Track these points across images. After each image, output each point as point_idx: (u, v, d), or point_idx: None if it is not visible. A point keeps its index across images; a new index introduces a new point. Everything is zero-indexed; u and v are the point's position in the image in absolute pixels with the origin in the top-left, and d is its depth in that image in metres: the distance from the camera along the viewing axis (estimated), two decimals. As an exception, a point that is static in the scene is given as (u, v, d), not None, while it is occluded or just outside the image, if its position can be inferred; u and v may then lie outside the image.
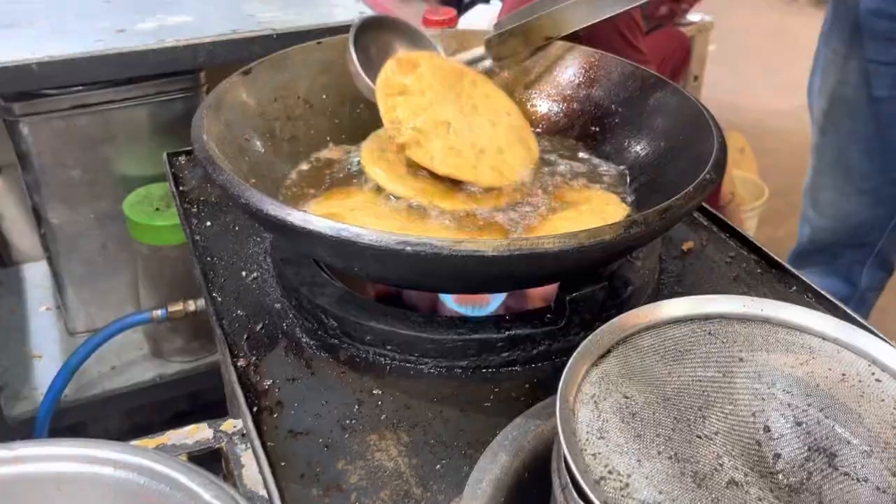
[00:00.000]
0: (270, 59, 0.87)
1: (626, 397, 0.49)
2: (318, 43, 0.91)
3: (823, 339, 0.54)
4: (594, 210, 0.75)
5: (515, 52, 0.86)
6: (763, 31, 3.98)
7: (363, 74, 0.80)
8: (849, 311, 0.71)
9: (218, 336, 0.70)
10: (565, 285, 0.66)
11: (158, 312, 1.21)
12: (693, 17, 2.71)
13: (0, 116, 1.17)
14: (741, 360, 0.55)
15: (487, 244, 0.55)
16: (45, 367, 1.36)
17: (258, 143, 0.80)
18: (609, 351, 0.54)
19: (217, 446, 0.68)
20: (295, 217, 0.57)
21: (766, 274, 0.79)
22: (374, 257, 0.57)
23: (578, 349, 0.53)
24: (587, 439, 0.46)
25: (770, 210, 2.43)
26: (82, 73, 1.01)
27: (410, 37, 0.88)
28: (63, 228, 1.30)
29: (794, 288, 0.77)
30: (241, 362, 0.68)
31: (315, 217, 0.57)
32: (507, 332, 0.65)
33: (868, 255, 1.51)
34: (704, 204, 0.81)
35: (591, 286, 0.66)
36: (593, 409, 0.48)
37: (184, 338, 1.40)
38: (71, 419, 1.32)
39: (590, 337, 0.54)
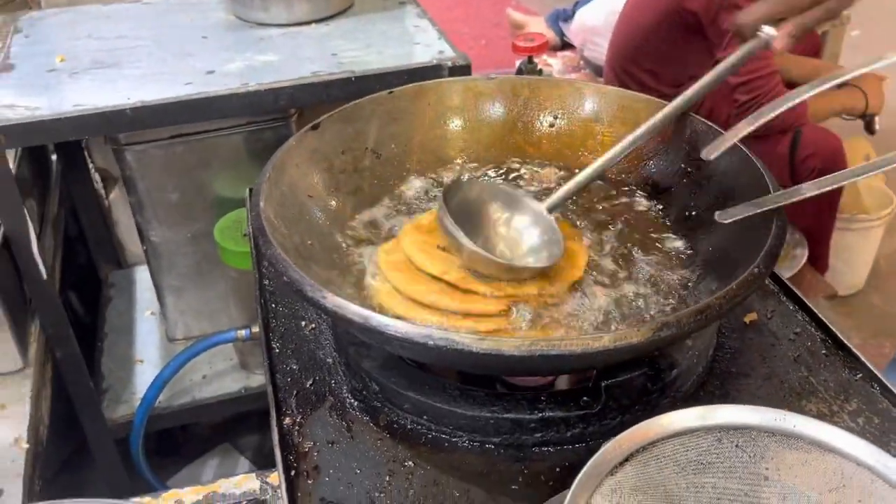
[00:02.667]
0: (341, 111, 0.89)
1: (635, 516, 0.49)
2: (390, 93, 0.93)
3: (858, 464, 0.52)
4: None
5: None
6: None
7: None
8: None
9: (269, 393, 0.74)
10: (601, 372, 0.65)
11: (242, 332, 1.27)
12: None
13: (109, 145, 1.27)
14: (766, 479, 0.53)
15: (508, 343, 0.55)
16: (146, 372, 1.46)
17: (321, 202, 0.82)
18: (627, 458, 0.53)
19: (262, 498, 0.72)
20: (328, 301, 0.60)
21: (832, 356, 0.75)
22: (401, 346, 0.59)
23: (594, 457, 0.52)
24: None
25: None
26: (171, 117, 1.08)
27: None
28: (162, 245, 1.39)
29: (860, 375, 0.73)
30: (287, 420, 0.71)
31: (347, 303, 0.59)
32: (539, 414, 0.65)
33: None
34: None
35: (629, 372, 0.64)
36: (598, 528, 0.48)
37: (269, 352, 1.46)
38: (164, 424, 1.42)
39: (607, 444, 0.53)
